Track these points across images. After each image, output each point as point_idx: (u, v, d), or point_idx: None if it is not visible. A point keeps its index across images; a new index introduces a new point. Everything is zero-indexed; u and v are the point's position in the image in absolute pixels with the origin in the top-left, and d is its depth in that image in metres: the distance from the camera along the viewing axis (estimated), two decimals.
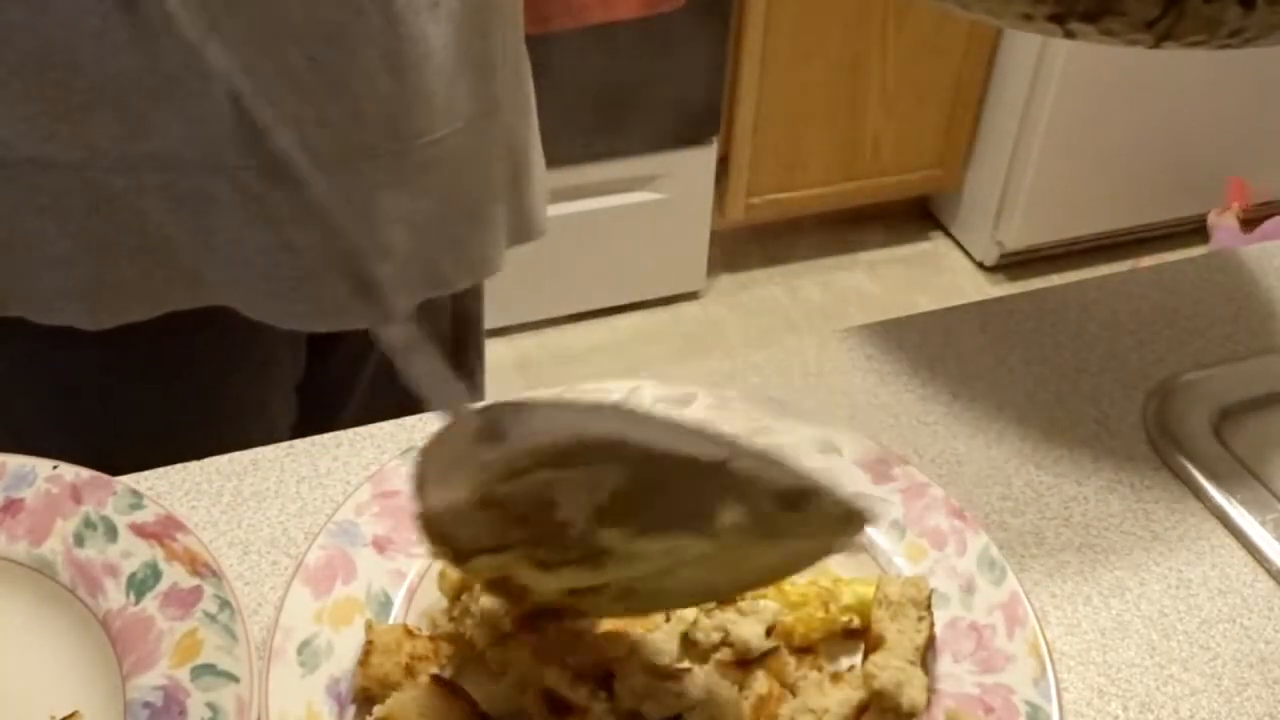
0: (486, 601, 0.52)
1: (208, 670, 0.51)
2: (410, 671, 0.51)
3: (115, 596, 0.54)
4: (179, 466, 0.64)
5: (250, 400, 0.78)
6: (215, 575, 0.54)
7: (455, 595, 0.54)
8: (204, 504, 0.62)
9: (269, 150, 0.60)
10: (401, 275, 0.71)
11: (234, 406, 0.77)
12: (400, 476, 0.61)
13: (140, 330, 0.68)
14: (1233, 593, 0.60)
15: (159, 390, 0.73)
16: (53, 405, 0.74)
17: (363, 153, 0.65)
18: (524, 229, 0.78)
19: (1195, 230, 2.25)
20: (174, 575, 0.54)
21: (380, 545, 0.57)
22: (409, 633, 0.53)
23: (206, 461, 0.64)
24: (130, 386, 0.73)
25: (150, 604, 0.53)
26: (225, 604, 0.53)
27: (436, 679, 0.51)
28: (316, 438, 0.66)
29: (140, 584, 0.54)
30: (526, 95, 0.76)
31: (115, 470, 0.59)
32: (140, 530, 0.56)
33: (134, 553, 0.55)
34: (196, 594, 0.53)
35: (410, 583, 0.57)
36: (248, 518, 0.62)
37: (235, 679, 0.50)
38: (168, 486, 0.63)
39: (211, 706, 0.49)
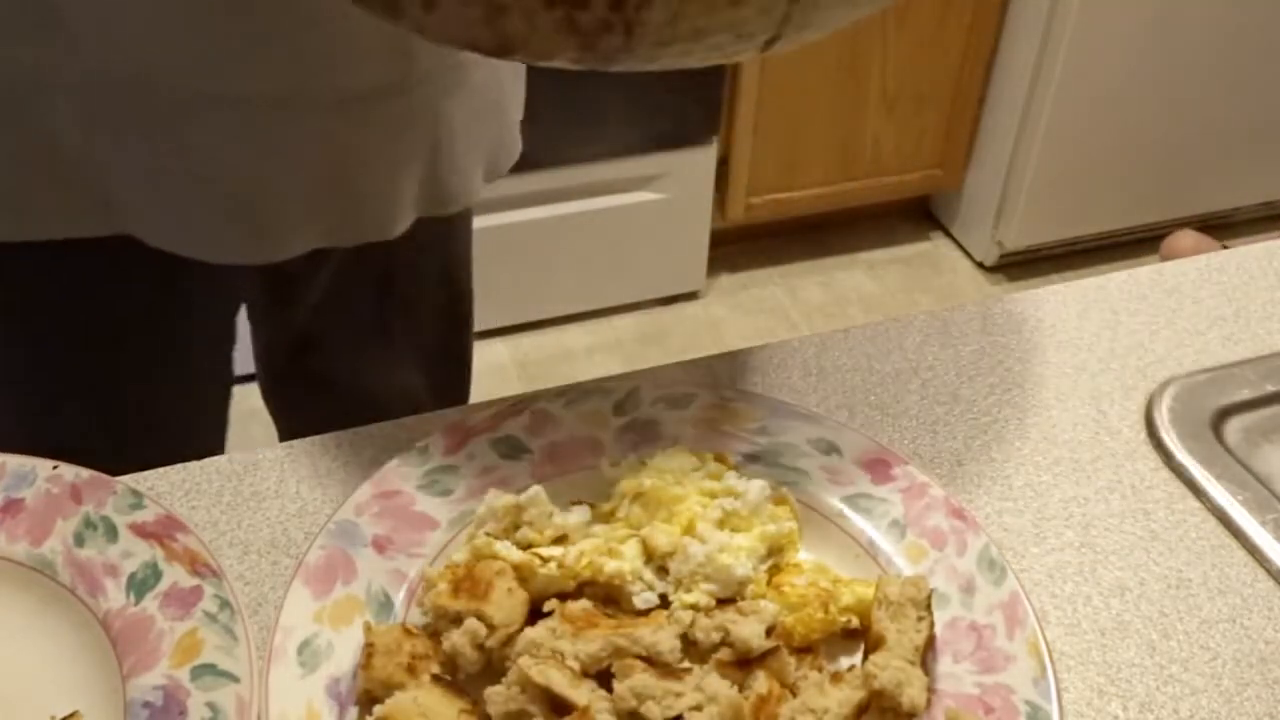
0: (458, 638, 0.52)
1: (208, 670, 0.51)
2: (412, 671, 0.51)
3: (115, 596, 0.54)
4: (179, 467, 0.64)
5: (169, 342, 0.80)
6: (215, 575, 0.54)
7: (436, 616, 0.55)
8: (204, 504, 0.62)
9: (182, 85, 0.63)
10: (302, 223, 0.73)
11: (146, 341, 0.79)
12: (400, 476, 0.61)
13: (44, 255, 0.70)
14: (1233, 593, 0.60)
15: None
16: None
17: (273, 102, 0.66)
18: (435, 200, 0.78)
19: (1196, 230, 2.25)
20: (174, 575, 0.54)
21: (380, 545, 0.57)
22: (408, 632, 0.53)
23: (206, 461, 0.65)
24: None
25: (150, 604, 0.53)
26: (225, 604, 0.53)
27: (436, 679, 0.51)
28: (316, 438, 0.66)
29: (140, 584, 0.54)
30: (456, 71, 0.75)
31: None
32: (140, 530, 0.56)
33: (134, 553, 0.55)
34: (196, 594, 0.53)
35: (410, 583, 0.57)
36: (248, 518, 0.62)
37: (235, 679, 0.50)
38: (168, 486, 0.63)
39: (211, 706, 0.49)
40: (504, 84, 0.79)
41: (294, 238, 0.73)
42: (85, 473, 0.59)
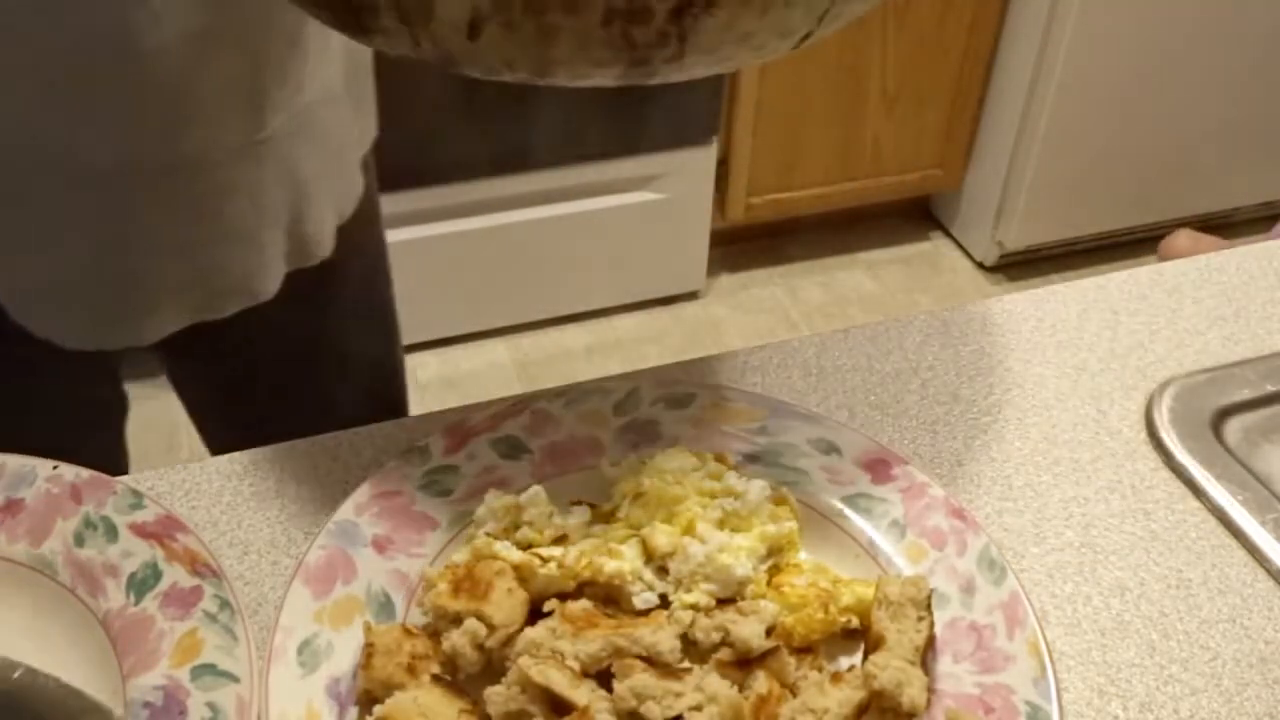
0: (458, 638, 0.52)
1: (208, 670, 0.51)
2: (412, 671, 0.51)
3: (115, 596, 0.54)
4: (179, 466, 0.64)
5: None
6: (215, 575, 0.54)
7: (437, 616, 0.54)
8: (204, 504, 0.62)
9: (19, 160, 0.61)
10: (166, 301, 0.70)
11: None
12: (400, 476, 0.61)
13: None
14: (1233, 593, 0.60)
15: None
16: None
17: (123, 177, 0.64)
18: (300, 253, 0.75)
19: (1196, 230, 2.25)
20: (174, 575, 0.54)
21: (380, 545, 0.57)
22: (408, 632, 0.53)
23: (206, 462, 0.65)
24: None
25: (150, 604, 0.53)
26: (225, 604, 0.53)
27: (436, 679, 0.51)
28: (316, 438, 0.66)
29: (140, 584, 0.54)
30: (306, 119, 0.71)
31: None
32: (140, 530, 0.56)
33: (134, 553, 0.55)
34: (196, 594, 0.53)
35: (410, 583, 0.57)
36: (248, 518, 0.62)
37: (235, 679, 0.50)
38: (168, 486, 0.63)
39: (212, 706, 0.49)
40: (345, 125, 0.76)
41: (156, 319, 0.71)
42: (85, 473, 0.59)
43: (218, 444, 0.92)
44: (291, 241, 0.74)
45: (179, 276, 0.70)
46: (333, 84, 0.73)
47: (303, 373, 0.86)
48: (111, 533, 0.56)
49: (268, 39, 0.65)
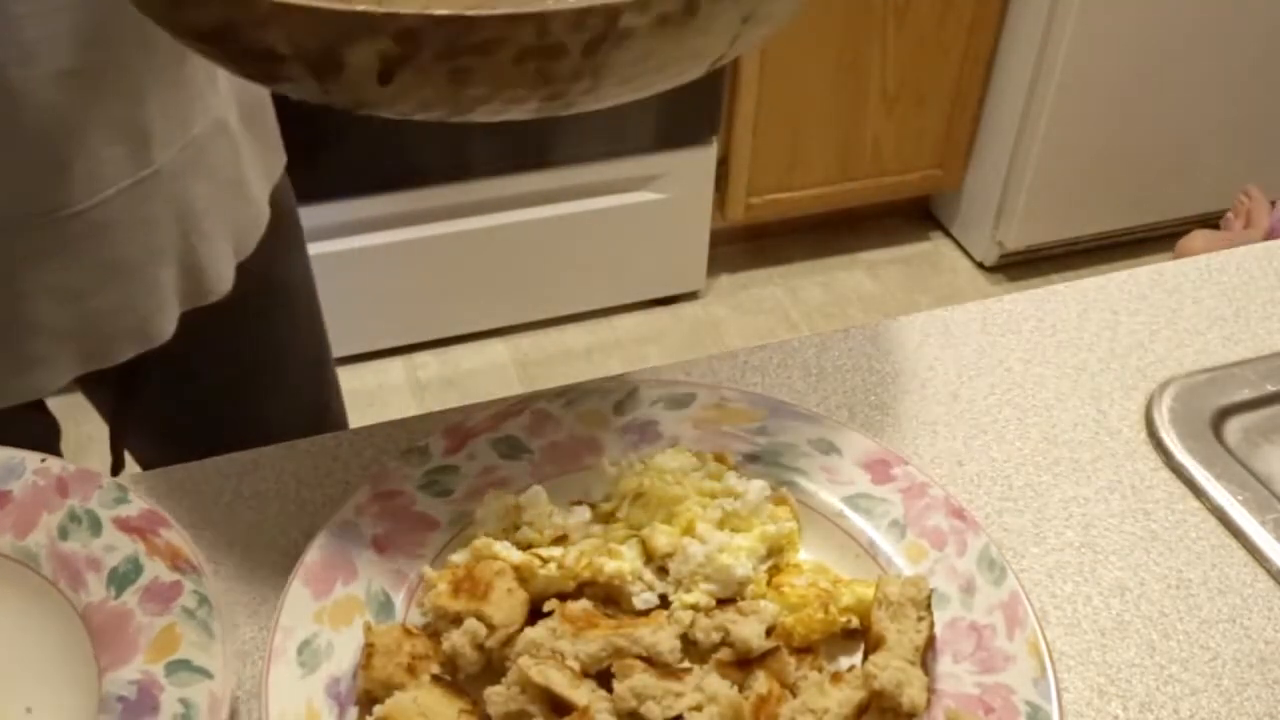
0: (458, 638, 0.52)
1: (183, 666, 0.50)
2: (412, 671, 0.51)
3: (96, 590, 0.54)
4: (179, 466, 0.64)
5: None
6: (195, 571, 0.54)
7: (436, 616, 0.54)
8: (204, 504, 0.62)
9: None
10: (55, 351, 0.67)
11: None
12: (400, 476, 0.61)
13: None
14: (1233, 593, 0.60)
15: None
16: None
17: (1, 221, 0.62)
18: (196, 291, 0.72)
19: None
20: (155, 570, 0.54)
21: (380, 545, 0.57)
22: (408, 632, 0.53)
23: (206, 461, 0.64)
24: None
25: (130, 598, 0.53)
26: (204, 600, 0.53)
27: (436, 679, 0.51)
28: (316, 438, 0.66)
29: (122, 578, 0.54)
30: (193, 151, 0.69)
31: None
32: (124, 524, 0.56)
33: (117, 547, 0.55)
34: (176, 589, 0.53)
35: (410, 583, 0.56)
36: (248, 518, 0.61)
37: (210, 675, 0.50)
38: (168, 487, 0.63)
39: (184, 702, 0.49)
40: (238, 156, 0.73)
41: (46, 371, 0.68)
42: (72, 466, 0.59)
43: (146, 465, 0.89)
44: (186, 280, 0.71)
45: (67, 323, 0.67)
46: (222, 115, 0.70)
47: (226, 405, 0.84)
48: (95, 526, 0.56)
49: (148, 75, 0.63)
